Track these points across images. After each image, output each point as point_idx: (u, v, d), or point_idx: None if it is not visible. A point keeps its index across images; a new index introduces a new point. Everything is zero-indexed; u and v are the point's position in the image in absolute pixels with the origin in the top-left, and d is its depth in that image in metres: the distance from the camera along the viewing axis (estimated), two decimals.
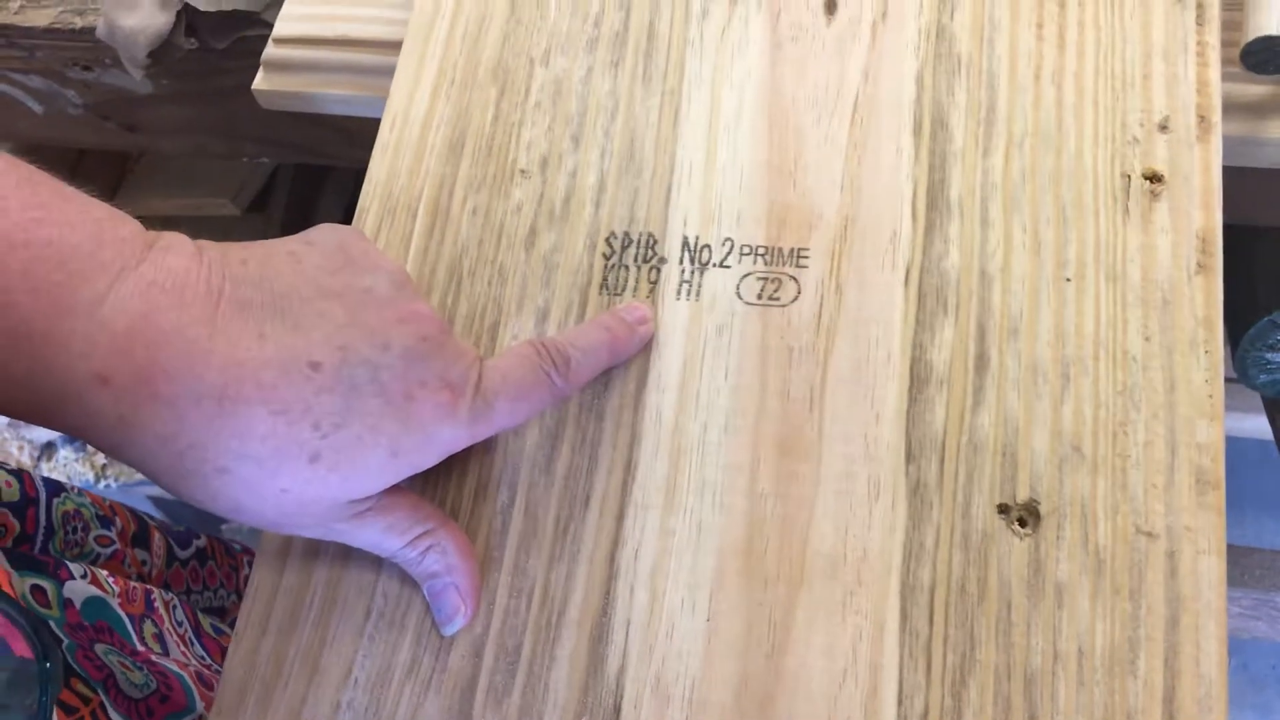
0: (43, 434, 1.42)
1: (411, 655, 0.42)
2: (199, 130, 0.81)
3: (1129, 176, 0.44)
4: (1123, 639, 0.38)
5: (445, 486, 0.44)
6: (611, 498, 0.43)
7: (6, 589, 0.43)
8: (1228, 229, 0.43)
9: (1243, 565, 1.09)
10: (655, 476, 0.43)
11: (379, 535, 0.39)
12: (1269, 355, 0.88)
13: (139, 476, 1.40)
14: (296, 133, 0.78)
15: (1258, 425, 1.14)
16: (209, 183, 1.01)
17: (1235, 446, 1.22)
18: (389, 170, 0.50)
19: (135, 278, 0.34)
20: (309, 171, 1.01)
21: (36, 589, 0.46)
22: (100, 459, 1.42)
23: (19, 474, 0.58)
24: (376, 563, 0.43)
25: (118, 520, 0.63)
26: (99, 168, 1.02)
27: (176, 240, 0.36)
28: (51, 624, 0.45)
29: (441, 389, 0.37)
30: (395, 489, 0.39)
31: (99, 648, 0.46)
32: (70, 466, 1.42)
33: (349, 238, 0.40)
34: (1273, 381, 0.90)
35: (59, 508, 0.59)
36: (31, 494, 0.57)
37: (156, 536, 0.66)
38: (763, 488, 0.42)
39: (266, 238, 1.16)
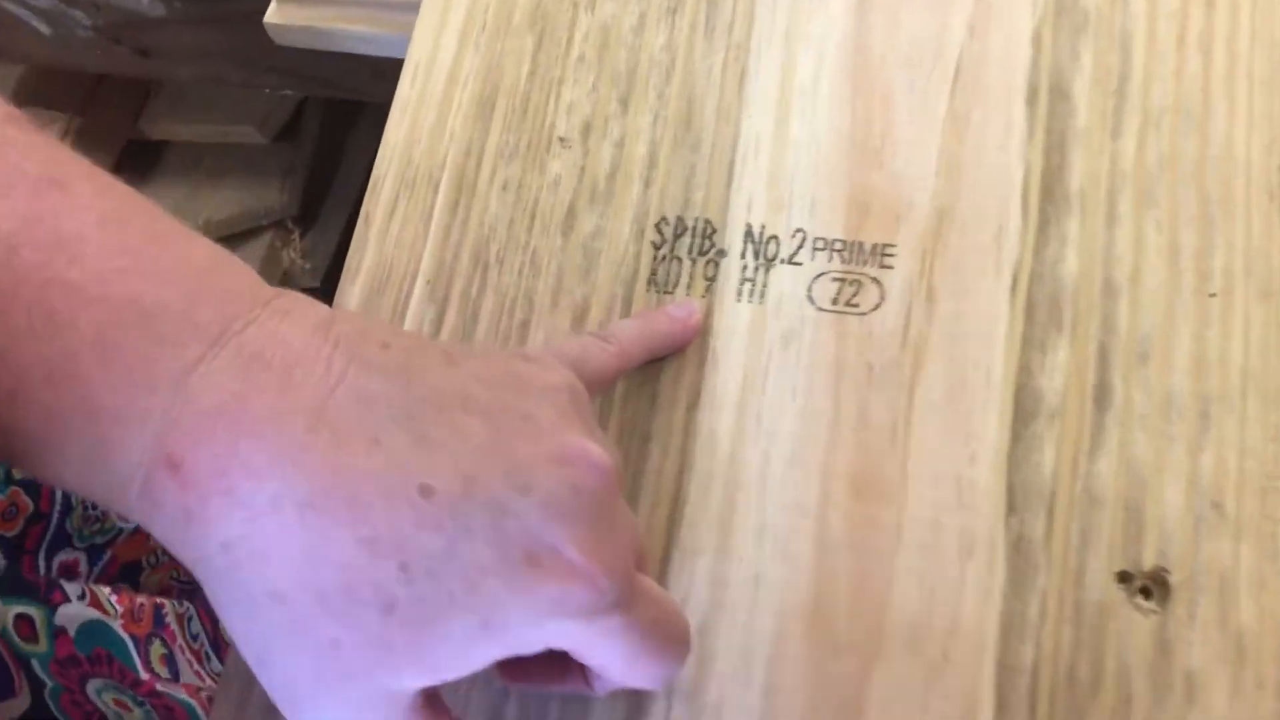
0: None
1: None
2: (214, 57, 0.74)
3: None
4: None
5: None
6: (656, 539, 0.37)
7: None
8: None
9: None
10: (707, 515, 0.36)
11: None
12: None
13: None
14: (320, 65, 0.71)
15: None
16: (234, 109, 0.94)
17: None
18: (408, 133, 0.43)
19: (236, 346, 0.27)
20: (340, 100, 0.94)
21: (22, 619, 0.41)
22: None
23: None
24: None
25: None
26: (118, 92, 0.96)
27: (299, 304, 0.29)
28: (35, 663, 0.39)
29: (574, 572, 0.27)
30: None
31: (92, 685, 0.41)
32: None
33: (521, 358, 0.32)
34: None
35: None
36: None
37: None
38: (834, 536, 0.35)
39: (296, 169, 1.09)
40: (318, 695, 0.27)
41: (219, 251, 0.29)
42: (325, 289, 0.97)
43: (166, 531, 0.27)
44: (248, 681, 0.37)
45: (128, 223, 0.28)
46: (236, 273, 0.28)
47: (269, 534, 0.26)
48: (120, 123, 0.98)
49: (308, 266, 0.96)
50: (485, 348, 0.31)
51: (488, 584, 0.26)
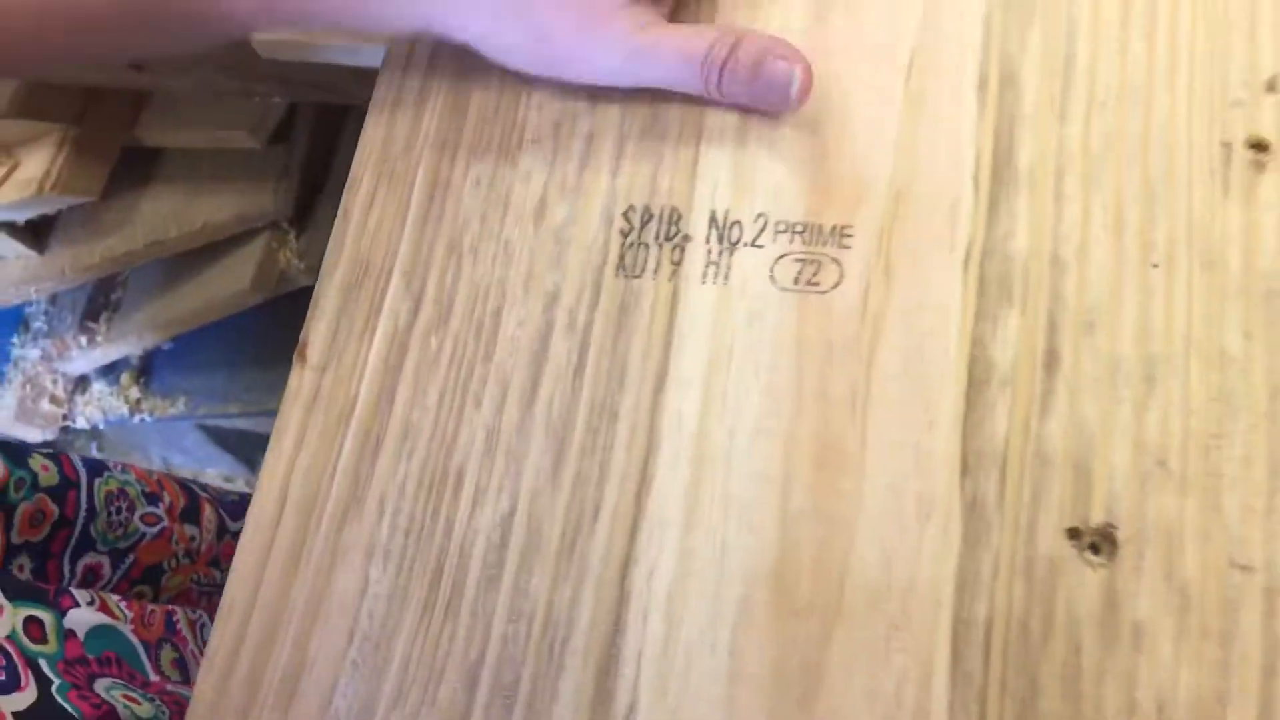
0: (76, 367, 1.38)
1: (397, 686, 0.38)
2: (205, 69, 0.76)
3: (1229, 145, 0.38)
4: (1210, 691, 0.33)
5: (440, 491, 0.40)
6: (624, 510, 0.38)
7: None
8: None
9: None
10: (674, 488, 0.38)
11: (679, 49, 0.40)
12: None
13: (173, 410, 1.36)
14: (308, 71, 0.73)
15: None
16: (226, 115, 0.96)
17: None
18: (385, 132, 0.45)
19: None
20: (329, 103, 0.96)
21: (31, 621, 0.43)
22: (135, 392, 1.38)
23: (57, 457, 0.54)
24: (362, 577, 0.39)
25: (165, 496, 0.59)
26: (113, 101, 0.97)
27: None
28: (43, 662, 0.41)
29: None
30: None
31: (100, 683, 0.43)
32: (105, 400, 1.39)
33: None
34: None
35: (101, 488, 0.55)
36: (71, 476, 0.53)
37: (207, 510, 0.62)
38: (797, 505, 0.37)
39: (290, 171, 1.10)
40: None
41: None
42: None
43: None
44: (231, 655, 0.39)
45: None
46: None
47: None
48: (116, 131, 0.99)
49: (303, 266, 0.98)
50: None
51: None
